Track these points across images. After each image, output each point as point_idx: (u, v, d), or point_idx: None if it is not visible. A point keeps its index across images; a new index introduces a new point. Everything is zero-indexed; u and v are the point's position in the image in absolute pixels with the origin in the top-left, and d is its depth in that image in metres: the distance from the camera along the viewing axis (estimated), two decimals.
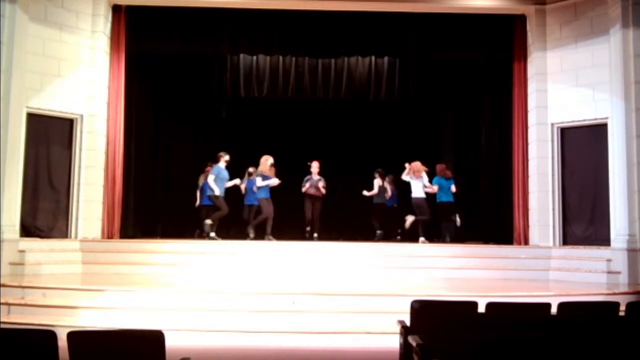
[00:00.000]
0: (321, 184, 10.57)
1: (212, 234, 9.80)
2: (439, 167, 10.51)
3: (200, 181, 10.98)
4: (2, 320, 5.81)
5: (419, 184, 10.19)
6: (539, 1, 9.77)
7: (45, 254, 8.54)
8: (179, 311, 6.40)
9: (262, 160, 10.25)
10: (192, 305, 6.49)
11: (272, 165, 10.30)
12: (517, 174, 10.04)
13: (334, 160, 11.41)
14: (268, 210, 10.01)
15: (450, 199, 10.33)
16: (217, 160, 10.20)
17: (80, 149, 9.50)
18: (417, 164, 10.26)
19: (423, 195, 10.19)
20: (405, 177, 10.32)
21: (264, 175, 10.08)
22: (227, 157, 10.20)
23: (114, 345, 3.19)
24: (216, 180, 9.94)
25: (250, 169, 10.79)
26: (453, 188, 10.33)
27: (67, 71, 9.36)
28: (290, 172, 11.20)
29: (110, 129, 9.87)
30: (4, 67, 8.09)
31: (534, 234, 9.69)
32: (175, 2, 9.97)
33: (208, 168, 10.84)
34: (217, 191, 9.96)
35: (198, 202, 11.12)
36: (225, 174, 10.13)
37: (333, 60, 10.74)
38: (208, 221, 9.84)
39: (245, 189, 10.84)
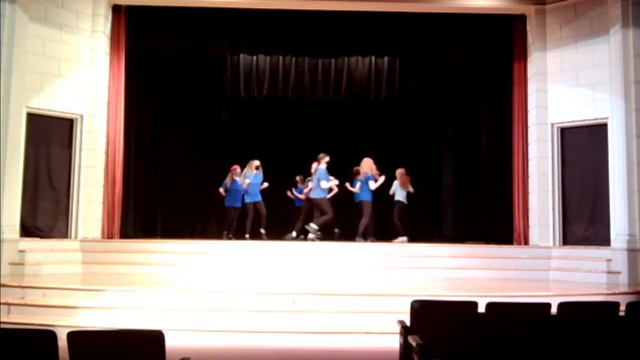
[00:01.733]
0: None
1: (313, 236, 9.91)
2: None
3: (228, 181, 10.53)
4: (2, 320, 5.80)
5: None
6: (539, 1, 9.77)
7: (45, 254, 8.54)
8: (179, 311, 6.40)
9: (369, 162, 10.25)
10: (192, 305, 6.49)
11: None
12: (517, 174, 10.04)
13: (334, 160, 11.39)
14: (370, 211, 10.11)
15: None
16: (318, 161, 10.19)
17: (80, 149, 9.50)
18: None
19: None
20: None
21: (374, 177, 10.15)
22: (327, 159, 10.17)
23: (114, 345, 3.19)
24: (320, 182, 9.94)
25: (257, 162, 10.66)
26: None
27: (67, 71, 9.36)
28: (291, 171, 11.23)
29: (110, 129, 9.86)
30: (4, 67, 8.09)
31: (534, 234, 9.69)
32: (175, 2, 9.97)
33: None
34: (326, 194, 10.07)
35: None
36: (327, 176, 10.13)
37: (333, 60, 10.74)
38: (314, 226, 9.82)
39: (249, 184, 10.47)
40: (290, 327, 6.07)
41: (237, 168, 10.62)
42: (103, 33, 9.73)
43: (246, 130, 12.11)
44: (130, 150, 10.39)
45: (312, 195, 10.12)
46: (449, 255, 9.13)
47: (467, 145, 11.49)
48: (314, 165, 10.51)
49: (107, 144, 9.81)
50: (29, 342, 3.17)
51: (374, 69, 10.74)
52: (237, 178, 10.53)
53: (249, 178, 10.47)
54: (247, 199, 10.53)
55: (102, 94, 9.75)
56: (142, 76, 10.84)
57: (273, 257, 8.92)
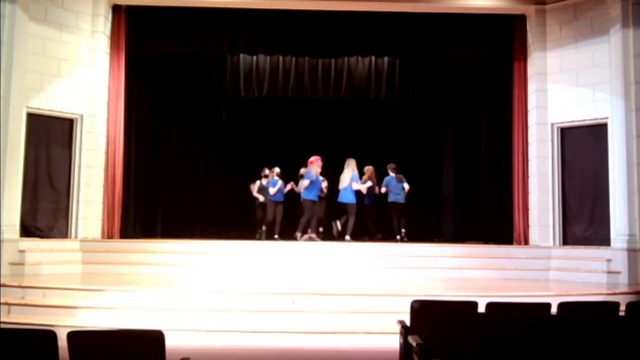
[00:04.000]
0: (324, 185, 10.59)
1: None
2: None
3: (276, 179, 10.42)
4: (2, 320, 5.81)
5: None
6: (539, 1, 9.77)
7: (45, 254, 8.54)
8: (179, 311, 6.40)
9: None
10: (192, 305, 6.49)
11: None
12: (517, 174, 10.04)
13: (334, 160, 11.40)
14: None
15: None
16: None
17: (80, 149, 9.50)
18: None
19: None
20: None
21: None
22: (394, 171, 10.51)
23: (114, 345, 3.19)
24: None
25: (302, 170, 10.68)
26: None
27: (67, 71, 9.36)
28: (290, 171, 11.21)
29: (110, 129, 9.87)
30: (4, 67, 8.10)
31: (534, 234, 9.69)
32: (175, 2, 9.97)
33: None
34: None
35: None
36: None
37: (333, 60, 10.73)
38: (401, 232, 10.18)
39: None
40: (290, 327, 6.08)
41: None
42: (103, 33, 9.73)
43: (246, 130, 12.11)
44: (130, 150, 10.39)
45: (398, 200, 10.38)
46: (448, 255, 9.14)
47: (467, 145, 11.49)
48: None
49: (107, 144, 9.81)
50: (29, 342, 3.17)
51: (374, 69, 10.73)
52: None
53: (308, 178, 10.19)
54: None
55: (102, 94, 9.75)
56: (142, 76, 10.83)
57: (273, 257, 8.92)
